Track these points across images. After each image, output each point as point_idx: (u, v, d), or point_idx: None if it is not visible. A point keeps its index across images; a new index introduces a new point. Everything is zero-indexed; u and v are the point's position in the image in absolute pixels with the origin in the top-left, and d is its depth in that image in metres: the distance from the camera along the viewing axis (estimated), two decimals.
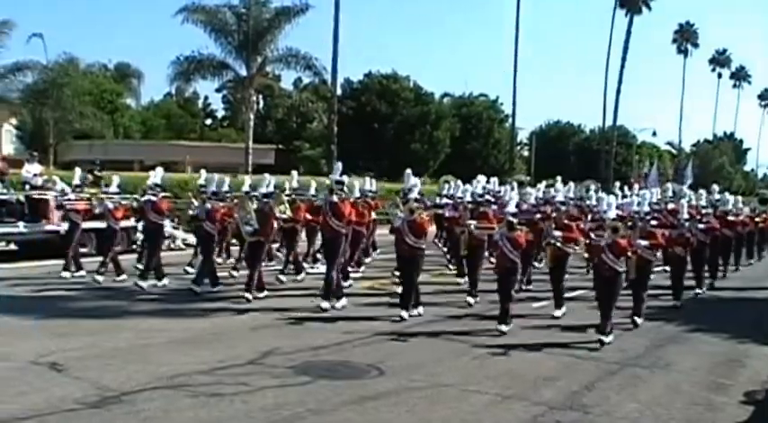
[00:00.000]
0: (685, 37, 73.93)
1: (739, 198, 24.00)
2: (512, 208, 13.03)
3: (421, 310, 12.75)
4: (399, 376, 9.05)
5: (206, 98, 78.41)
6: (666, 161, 70.80)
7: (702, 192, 21.42)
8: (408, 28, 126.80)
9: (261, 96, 53.33)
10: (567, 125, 72.31)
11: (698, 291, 16.60)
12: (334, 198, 13.25)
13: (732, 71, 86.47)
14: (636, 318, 12.74)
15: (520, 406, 8.16)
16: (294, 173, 18.28)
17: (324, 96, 45.25)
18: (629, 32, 57.34)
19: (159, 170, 16.12)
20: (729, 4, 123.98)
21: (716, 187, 24.34)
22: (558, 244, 12.96)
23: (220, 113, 79.92)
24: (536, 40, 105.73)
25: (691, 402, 8.69)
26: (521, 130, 62.75)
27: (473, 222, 14.18)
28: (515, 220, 12.08)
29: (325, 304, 12.67)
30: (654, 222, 13.98)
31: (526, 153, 68.35)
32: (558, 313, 13.12)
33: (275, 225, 14.38)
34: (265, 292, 13.82)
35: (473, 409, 8.01)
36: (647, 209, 13.94)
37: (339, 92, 45.21)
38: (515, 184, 20.43)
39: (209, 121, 78.87)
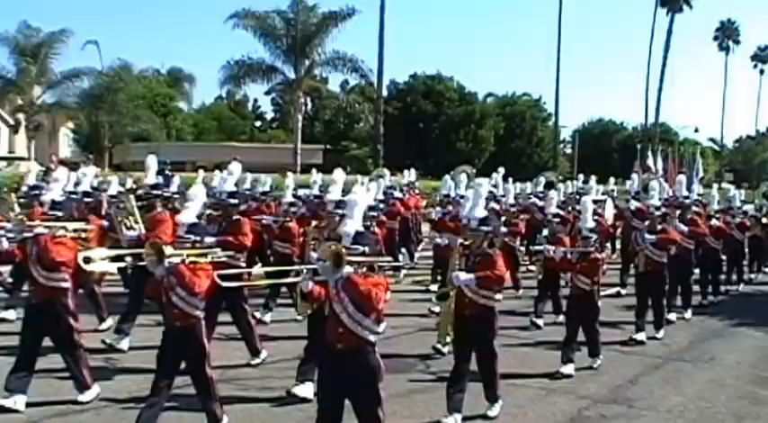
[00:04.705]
0: (727, 34, 72.69)
1: (741, 192, 19.54)
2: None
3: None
4: (445, 370, 9.20)
5: (256, 101, 79.91)
6: (709, 157, 69.84)
7: (654, 183, 14.93)
8: (452, 29, 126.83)
9: (309, 98, 54.06)
10: (610, 123, 72.07)
11: (637, 338, 11.03)
12: None
13: None
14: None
15: (565, 399, 8.30)
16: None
17: (370, 97, 45.64)
18: (670, 31, 57.13)
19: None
20: None
21: (682, 178, 18.43)
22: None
23: (270, 115, 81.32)
24: (578, 39, 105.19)
25: (735, 396, 8.76)
26: (564, 128, 62.58)
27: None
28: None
29: None
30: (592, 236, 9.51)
31: (569, 151, 68.08)
32: None
33: None
34: None
35: (518, 402, 8.15)
36: (479, 214, 7.96)
37: (385, 93, 45.77)
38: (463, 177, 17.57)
39: (258, 123, 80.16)
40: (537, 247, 10.22)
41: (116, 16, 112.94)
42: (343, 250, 5.76)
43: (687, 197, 16.15)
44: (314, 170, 13.79)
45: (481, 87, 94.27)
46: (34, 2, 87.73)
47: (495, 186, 18.41)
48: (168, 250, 6.43)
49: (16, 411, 7.25)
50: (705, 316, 13.43)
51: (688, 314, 12.92)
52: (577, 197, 16.05)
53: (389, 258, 7.45)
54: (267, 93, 64.67)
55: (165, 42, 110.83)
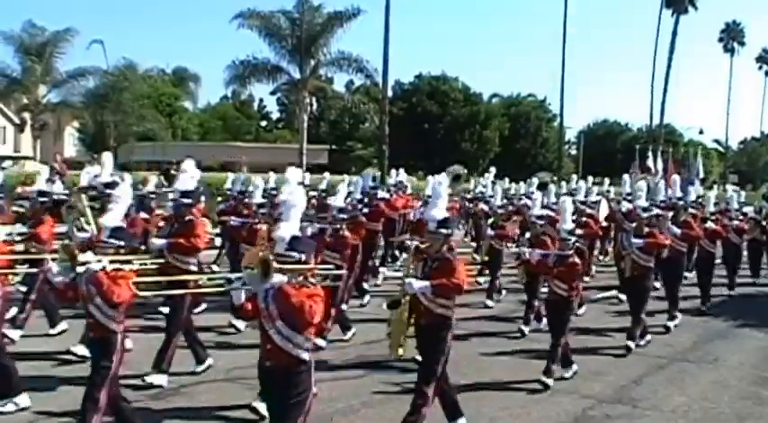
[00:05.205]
0: (732, 36, 72.52)
1: (741, 193, 18.99)
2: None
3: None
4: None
5: (261, 100, 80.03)
6: (714, 159, 69.93)
7: (641, 184, 13.81)
8: (456, 29, 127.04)
9: (314, 98, 54.07)
10: (615, 124, 72.07)
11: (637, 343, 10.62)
12: None
13: None
14: None
15: (569, 399, 8.32)
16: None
17: (375, 98, 45.63)
18: (675, 32, 57.05)
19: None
20: None
21: (676, 178, 17.77)
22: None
23: (275, 115, 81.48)
24: (583, 40, 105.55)
25: (738, 396, 8.78)
26: (569, 129, 62.63)
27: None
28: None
29: None
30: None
31: (574, 152, 68.13)
32: None
33: None
34: None
35: (523, 402, 8.19)
36: (438, 215, 7.19)
37: (390, 93, 45.70)
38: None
39: (264, 123, 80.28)
40: (514, 249, 10.06)
41: (121, 15, 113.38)
42: (271, 257, 5.07)
43: (681, 199, 15.54)
44: (290, 168, 11.80)
45: (486, 88, 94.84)
46: (39, 1, 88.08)
47: (486, 187, 18.42)
48: (86, 256, 5.84)
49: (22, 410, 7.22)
50: (708, 317, 13.45)
51: (676, 321, 12.15)
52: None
53: (329, 266, 6.86)
54: (272, 93, 64.86)
55: (170, 42, 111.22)
